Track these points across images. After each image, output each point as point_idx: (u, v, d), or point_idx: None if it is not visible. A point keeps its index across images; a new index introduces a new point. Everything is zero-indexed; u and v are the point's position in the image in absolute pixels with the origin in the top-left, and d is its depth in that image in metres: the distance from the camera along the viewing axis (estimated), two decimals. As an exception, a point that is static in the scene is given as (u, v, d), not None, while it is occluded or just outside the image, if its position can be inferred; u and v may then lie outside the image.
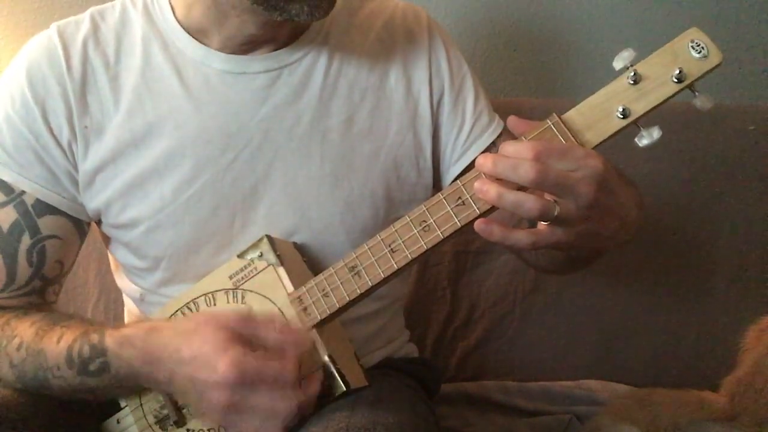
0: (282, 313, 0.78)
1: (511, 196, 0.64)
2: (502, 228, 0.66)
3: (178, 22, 0.86)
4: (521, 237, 0.66)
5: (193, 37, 0.85)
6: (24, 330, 0.81)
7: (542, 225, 0.67)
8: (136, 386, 0.79)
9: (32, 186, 0.83)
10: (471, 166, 0.90)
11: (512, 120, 0.68)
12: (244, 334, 0.71)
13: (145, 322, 0.79)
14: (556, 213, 0.63)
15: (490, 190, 0.65)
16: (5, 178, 0.83)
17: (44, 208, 0.84)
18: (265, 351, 0.70)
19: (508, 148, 0.64)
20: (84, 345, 0.77)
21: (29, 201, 0.83)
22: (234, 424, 0.70)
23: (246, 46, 0.85)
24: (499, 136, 0.93)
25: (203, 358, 0.69)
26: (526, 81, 1.51)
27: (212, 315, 0.73)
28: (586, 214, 0.64)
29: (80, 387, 0.78)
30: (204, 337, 0.70)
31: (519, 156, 0.63)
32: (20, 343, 0.80)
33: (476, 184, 0.66)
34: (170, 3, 0.87)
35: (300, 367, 0.70)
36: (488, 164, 0.65)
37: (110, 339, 0.76)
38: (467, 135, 0.93)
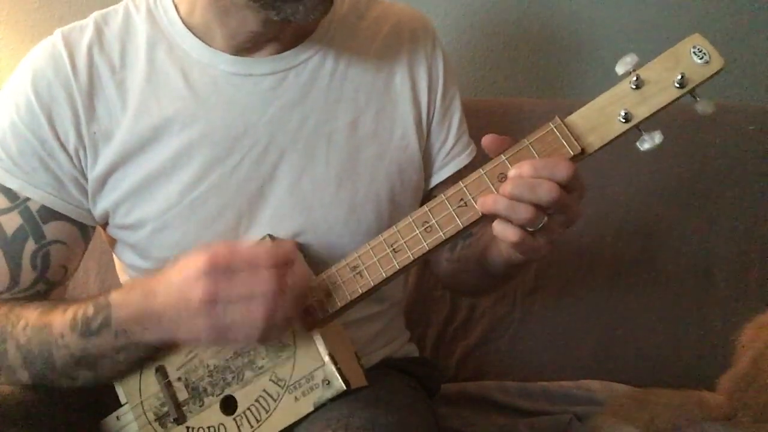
0: None
1: (505, 202, 0.66)
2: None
3: (183, 21, 0.86)
4: (512, 231, 0.67)
5: (198, 37, 0.85)
6: (29, 313, 0.81)
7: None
8: (134, 347, 0.77)
9: (37, 192, 0.83)
10: (444, 182, 0.95)
11: (487, 139, 0.69)
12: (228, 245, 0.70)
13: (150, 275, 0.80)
14: (543, 223, 0.67)
15: (487, 200, 0.68)
16: (10, 185, 0.83)
17: (49, 214, 0.84)
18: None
19: (543, 164, 0.66)
20: (89, 306, 0.77)
21: (34, 207, 0.83)
22: (219, 321, 0.67)
23: (250, 45, 0.85)
24: (471, 161, 0.97)
25: (186, 265, 0.69)
26: (526, 81, 1.51)
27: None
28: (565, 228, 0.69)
29: (82, 354, 0.78)
30: (191, 254, 0.69)
31: (554, 175, 0.65)
32: (26, 324, 0.80)
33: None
34: (174, 2, 0.87)
35: (278, 258, 0.69)
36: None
37: (115, 293, 0.76)
38: (449, 150, 0.96)
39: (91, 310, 0.77)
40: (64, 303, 0.81)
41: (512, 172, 0.66)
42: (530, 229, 0.67)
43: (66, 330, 0.78)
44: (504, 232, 0.68)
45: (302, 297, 0.72)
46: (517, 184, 0.65)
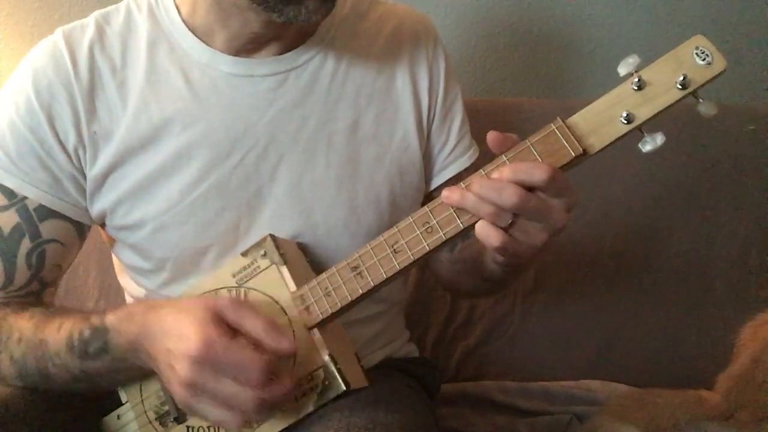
0: (284, 311, 0.78)
1: (471, 198, 0.67)
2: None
3: (184, 22, 0.85)
4: (494, 234, 0.67)
5: (199, 38, 0.85)
6: (23, 324, 0.81)
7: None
8: (132, 368, 0.77)
9: (35, 191, 0.83)
10: (445, 184, 0.94)
11: (492, 135, 0.69)
12: (231, 320, 0.69)
13: (149, 300, 0.80)
14: (509, 221, 0.67)
15: (452, 195, 0.68)
16: (7, 184, 0.82)
17: (47, 213, 0.84)
18: (246, 341, 0.68)
19: (521, 167, 0.66)
20: (85, 328, 0.77)
21: (31, 206, 0.83)
22: (191, 405, 0.68)
23: (251, 45, 0.85)
24: (472, 164, 0.97)
25: (181, 331, 0.68)
26: (526, 81, 1.51)
27: (210, 296, 0.73)
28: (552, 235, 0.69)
29: (80, 374, 0.78)
30: (191, 313, 0.69)
31: (531, 177, 0.66)
32: (20, 338, 0.80)
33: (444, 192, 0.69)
34: (175, 3, 0.86)
35: (272, 368, 0.67)
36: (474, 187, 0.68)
37: (112, 317, 0.76)
38: (449, 152, 0.96)
39: (87, 333, 0.77)
40: (58, 317, 0.81)
41: (494, 175, 0.67)
42: (501, 226, 0.67)
43: (62, 350, 0.77)
44: (486, 235, 0.68)
45: (283, 399, 0.71)
46: (483, 184, 0.66)
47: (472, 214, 0.69)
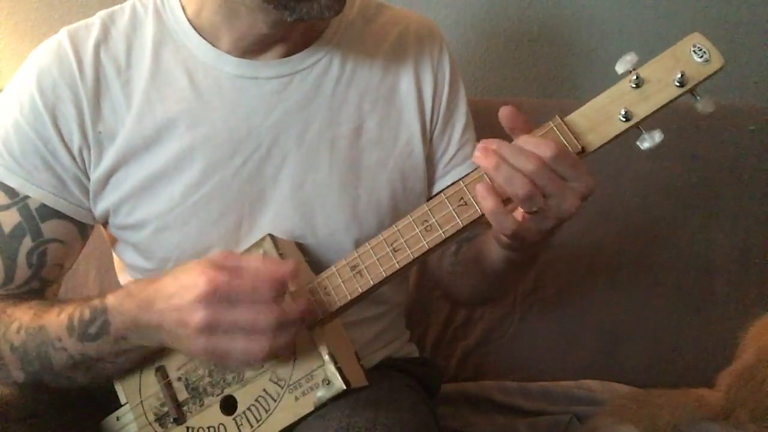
0: None
1: (506, 169, 0.66)
2: (497, 202, 0.67)
3: (189, 22, 0.85)
4: (510, 220, 0.67)
5: (205, 38, 0.85)
6: (22, 314, 0.81)
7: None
8: (134, 349, 0.77)
9: (37, 191, 0.83)
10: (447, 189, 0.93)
11: (505, 111, 0.68)
12: (229, 265, 0.69)
13: (146, 279, 0.79)
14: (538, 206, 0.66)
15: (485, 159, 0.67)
16: (10, 183, 0.82)
17: (48, 213, 0.84)
18: (249, 269, 0.69)
19: (529, 140, 0.66)
20: (84, 310, 0.77)
21: (33, 205, 0.83)
22: (212, 348, 0.68)
23: (257, 47, 0.85)
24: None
25: (184, 284, 0.68)
26: (526, 81, 1.51)
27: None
28: (561, 220, 0.68)
29: (81, 358, 0.77)
30: (190, 270, 0.69)
31: (538, 150, 0.65)
32: (19, 326, 0.80)
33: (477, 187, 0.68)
34: (181, 2, 0.86)
35: (280, 286, 0.69)
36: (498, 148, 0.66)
37: (111, 297, 0.76)
38: (450, 159, 0.96)
39: (87, 314, 0.76)
40: (58, 305, 0.81)
41: (494, 146, 0.66)
42: (530, 210, 0.67)
43: (63, 333, 0.77)
44: (502, 222, 0.68)
45: (301, 320, 0.71)
46: (504, 146, 0.66)
47: (471, 212, 0.69)
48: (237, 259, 0.70)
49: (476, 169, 0.71)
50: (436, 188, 0.96)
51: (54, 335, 0.78)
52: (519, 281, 1.25)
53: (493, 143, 0.67)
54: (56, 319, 0.78)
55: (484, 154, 0.66)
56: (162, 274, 0.74)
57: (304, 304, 0.71)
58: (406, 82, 0.91)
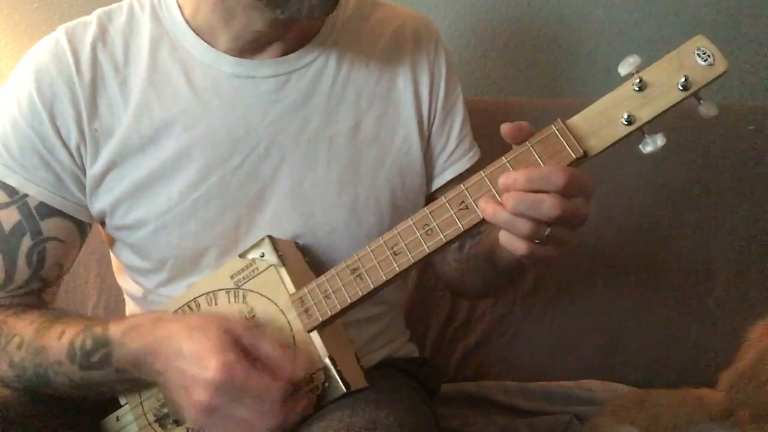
0: (283, 313, 0.78)
1: (505, 215, 0.65)
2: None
3: (186, 22, 0.85)
4: (520, 245, 0.66)
5: (201, 38, 0.85)
6: (23, 328, 0.81)
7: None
8: (135, 380, 0.78)
9: (36, 189, 0.83)
10: (446, 185, 0.94)
11: (506, 128, 0.67)
12: (246, 343, 0.71)
13: (152, 313, 0.80)
14: (546, 233, 0.65)
15: (487, 209, 0.67)
16: (9, 181, 0.82)
17: (48, 211, 0.84)
18: (262, 366, 0.70)
19: (533, 174, 0.64)
20: (87, 338, 0.77)
21: (32, 203, 0.83)
22: (205, 427, 0.70)
23: (254, 45, 0.84)
24: (474, 165, 0.96)
25: (198, 355, 0.69)
26: (526, 81, 1.51)
27: (222, 317, 0.74)
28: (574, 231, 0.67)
29: (82, 382, 0.78)
30: (207, 335, 0.70)
31: (549, 182, 0.63)
32: (21, 342, 0.80)
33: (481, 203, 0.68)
34: (178, 3, 0.86)
35: (287, 393, 0.70)
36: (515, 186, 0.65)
37: (114, 328, 0.76)
38: (449, 154, 0.95)
39: (89, 343, 0.77)
40: (60, 322, 0.81)
41: (502, 180, 0.65)
42: (538, 240, 0.65)
43: (63, 358, 0.78)
44: (512, 245, 0.67)
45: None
46: (519, 200, 0.64)
47: (472, 216, 0.69)
48: (256, 338, 0.72)
49: (476, 169, 0.70)
50: (436, 184, 0.96)
51: (54, 359, 0.78)
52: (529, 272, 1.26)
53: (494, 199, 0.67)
54: (57, 343, 0.78)
55: (492, 211, 0.66)
56: (169, 308, 0.79)
57: (306, 405, 0.73)
58: (402, 79, 0.91)
